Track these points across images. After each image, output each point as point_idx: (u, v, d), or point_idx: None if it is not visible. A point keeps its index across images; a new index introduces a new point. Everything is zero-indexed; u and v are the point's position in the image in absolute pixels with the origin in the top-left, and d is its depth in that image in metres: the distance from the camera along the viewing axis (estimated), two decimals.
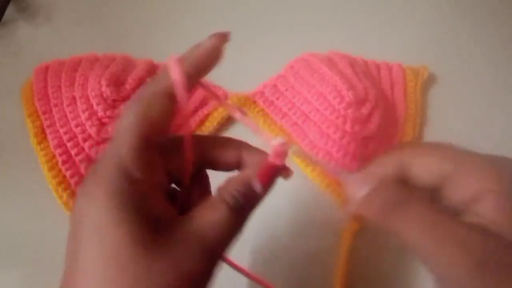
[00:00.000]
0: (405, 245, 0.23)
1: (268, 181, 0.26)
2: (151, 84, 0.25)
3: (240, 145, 0.28)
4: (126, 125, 0.23)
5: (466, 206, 0.23)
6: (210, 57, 0.25)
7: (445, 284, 0.22)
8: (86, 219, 0.21)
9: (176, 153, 0.26)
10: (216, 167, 0.28)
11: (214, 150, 0.27)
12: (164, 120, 0.24)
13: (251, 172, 0.26)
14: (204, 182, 0.29)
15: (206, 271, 0.23)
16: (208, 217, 0.23)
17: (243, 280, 0.39)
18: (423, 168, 0.25)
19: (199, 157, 0.27)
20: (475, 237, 0.21)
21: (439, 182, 0.24)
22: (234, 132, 0.47)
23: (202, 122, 0.47)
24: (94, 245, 0.20)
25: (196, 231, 0.22)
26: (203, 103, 0.47)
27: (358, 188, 0.25)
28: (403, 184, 0.25)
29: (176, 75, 0.24)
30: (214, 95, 0.29)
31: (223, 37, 0.25)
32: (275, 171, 0.27)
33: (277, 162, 0.26)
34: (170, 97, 0.24)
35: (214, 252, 0.23)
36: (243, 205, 0.25)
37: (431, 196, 0.25)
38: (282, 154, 0.26)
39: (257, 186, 0.26)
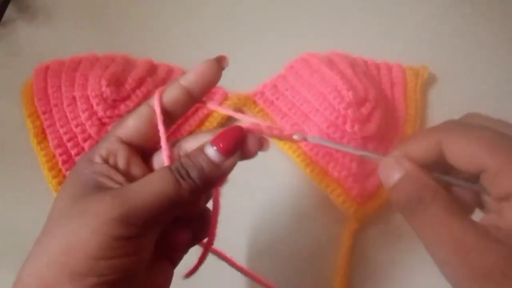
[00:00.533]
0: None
1: (228, 146, 0.24)
2: (141, 105, 0.28)
3: (215, 131, 0.27)
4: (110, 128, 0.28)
5: (501, 201, 0.22)
6: (203, 79, 0.27)
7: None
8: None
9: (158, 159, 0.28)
10: None
11: (188, 143, 0.27)
12: (139, 127, 0.27)
13: (207, 137, 0.25)
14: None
15: (114, 221, 0.22)
16: (145, 178, 0.24)
17: (243, 280, 0.39)
18: (459, 155, 0.24)
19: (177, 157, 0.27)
20: (483, 246, 0.21)
21: (475, 171, 0.23)
22: None
23: (202, 122, 0.47)
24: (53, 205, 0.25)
25: (124, 188, 0.23)
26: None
27: (388, 176, 0.25)
28: (429, 178, 0.24)
29: (156, 103, 0.27)
30: (205, 104, 0.29)
31: (218, 61, 0.27)
32: (236, 134, 0.25)
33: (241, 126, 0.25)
34: (151, 110, 0.27)
35: (132, 208, 0.22)
36: (188, 172, 0.24)
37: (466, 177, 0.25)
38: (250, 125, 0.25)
39: (211, 151, 0.24)
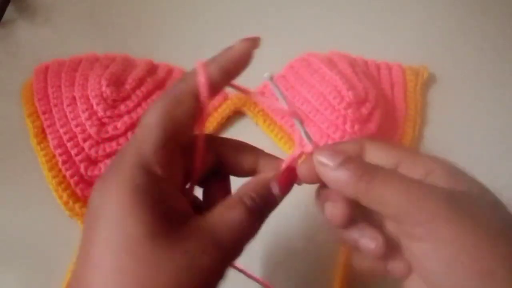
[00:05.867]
0: (384, 211, 0.24)
1: (286, 184, 0.27)
2: (178, 84, 0.25)
3: (258, 151, 0.29)
4: (150, 121, 0.23)
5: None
6: (239, 60, 0.26)
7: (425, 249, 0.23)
8: (104, 212, 0.21)
9: (193, 152, 0.26)
10: (234, 171, 0.29)
11: (232, 153, 0.28)
12: (188, 120, 0.24)
13: (269, 175, 0.27)
14: (224, 184, 0.30)
15: (217, 268, 0.22)
16: (224, 215, 0.24)
17: (242, 279, 0.39)
18: (377, 156, 0.26)
19: (217, 158, 0.28)
20: (444, 192, 0.23)
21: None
22: (234, 133, 0.47)
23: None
24: (109, 237, 0.21)
25: (210, 228, 0.23)
26: None
27: (335, 158, 0.25)
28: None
29: (201, 77, 0.24)
30: (245, 90, 0.29)
31: (253, 42, 0.26)
32: (294, 176, 0.28)
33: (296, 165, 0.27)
34: (196, 98, 0.24)
35: (227, 251, 0.23)
36: (260, 207, 0.25)
37: None
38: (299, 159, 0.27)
39: (276, 189, 0.26)
